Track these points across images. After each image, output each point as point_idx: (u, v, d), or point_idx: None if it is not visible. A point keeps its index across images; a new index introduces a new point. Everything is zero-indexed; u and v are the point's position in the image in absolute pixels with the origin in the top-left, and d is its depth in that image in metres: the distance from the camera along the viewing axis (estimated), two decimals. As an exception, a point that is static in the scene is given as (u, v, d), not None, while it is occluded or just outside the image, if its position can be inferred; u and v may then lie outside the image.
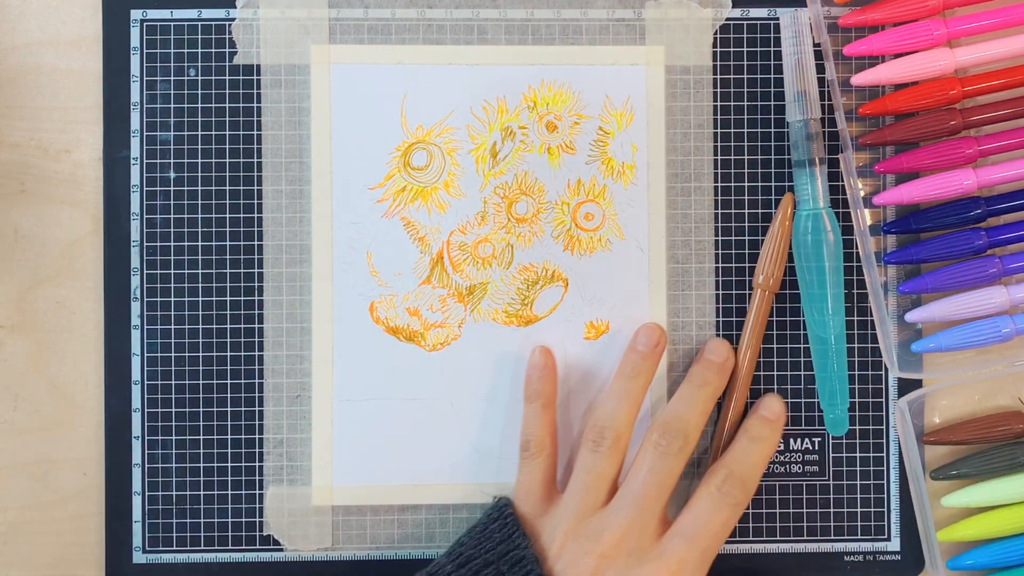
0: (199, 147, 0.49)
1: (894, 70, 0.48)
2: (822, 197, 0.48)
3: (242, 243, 0.49)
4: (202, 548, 0.49)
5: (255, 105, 0.49)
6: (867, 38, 0.48)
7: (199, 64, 0.49)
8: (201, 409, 0.49)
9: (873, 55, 0.49)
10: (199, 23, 0.49)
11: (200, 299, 0.49)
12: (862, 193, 0.49)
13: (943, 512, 0.50)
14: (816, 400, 0.50)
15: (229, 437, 0.49)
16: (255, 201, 0.49)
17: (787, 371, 0.50)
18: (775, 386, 0.50)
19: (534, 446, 0.47)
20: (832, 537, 0.50)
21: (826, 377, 0.48)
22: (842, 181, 0.49)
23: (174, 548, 0.49)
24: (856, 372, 0.50)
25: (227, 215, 0.49)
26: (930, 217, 0.48)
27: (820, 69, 0.49)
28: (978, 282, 0.48)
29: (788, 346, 0.50)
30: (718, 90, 0.50)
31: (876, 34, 0.48)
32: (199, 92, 0.49)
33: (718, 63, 0.50)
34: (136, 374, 0.49)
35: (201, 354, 0.49)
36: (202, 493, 0.49)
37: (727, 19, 0.50)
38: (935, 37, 0.47)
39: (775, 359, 0.50)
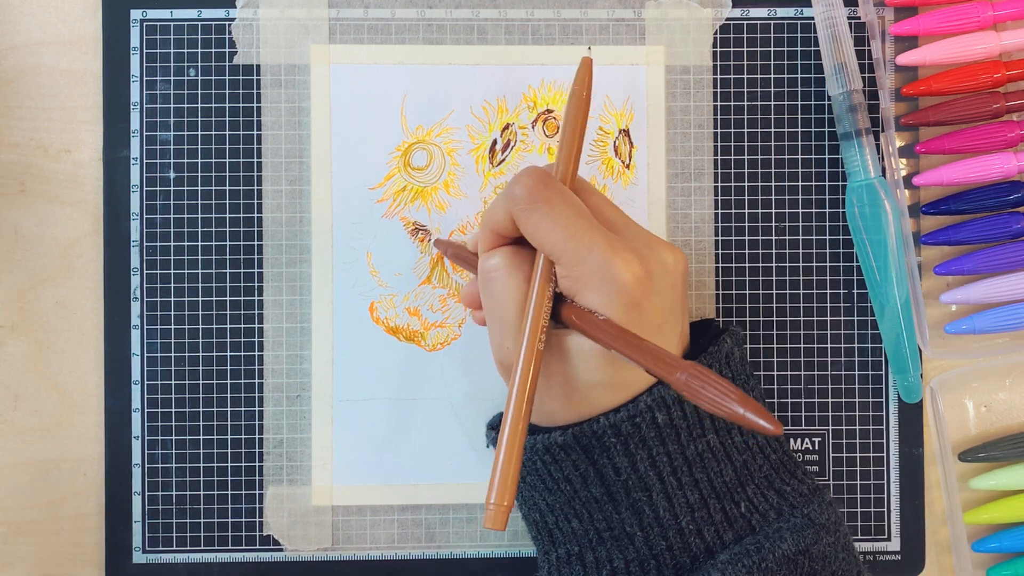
0: (199, 147, 0.49)
1: (939, 51, 0.48)
2: (872, 168, 0.48)
3: (242, 243, 0.49)
4: (202, 548, 0.49)
5: (255, 105, 0.49)
6: (913, 18, 0.48)
7: (199, 64, 0.49)
8: (201, 409, 0.49)
9: (919, 35, 0.49)
10: (199, 23, 0.49)
11: (200, 299, 0.49)
12: (903, 173, 0.49)
13: (968, 495, 0.50)
14: (815, 400, 0.50)
15: (229, 437, 0.49)
16: (255, 201, 0.49)
17: (787, 371, 0.50)
18: (775, 385, 0.50)
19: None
20: (832, 537, 0.50)
21: (898, 346, 0.48)
22: (882, 161, 0.49)
23: (174, 548, 0.49)
24: (856, 372, 0.50)
25: (227, 215, 0.49)
26: (968, 199, 0.48)
27: (857, 42, 0.49)
28: (1014, 266, 0.48)
29: (788, 346, 0.50)
30: (718, 90, 0.50)
31: (922, 14, 0.48)
32: (199, 92, 0.49)
33: (718, 63, 0.50)
34: (136, 374, 0.49)
35: (201, 354, 0.49)
36: (202, 493, 0.49)
37: (727, 19, 0.50)
38: (982, 20, 0.47)
39: (775, 359, 0.50)
